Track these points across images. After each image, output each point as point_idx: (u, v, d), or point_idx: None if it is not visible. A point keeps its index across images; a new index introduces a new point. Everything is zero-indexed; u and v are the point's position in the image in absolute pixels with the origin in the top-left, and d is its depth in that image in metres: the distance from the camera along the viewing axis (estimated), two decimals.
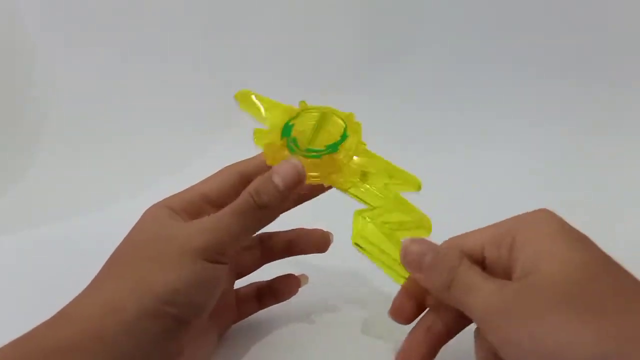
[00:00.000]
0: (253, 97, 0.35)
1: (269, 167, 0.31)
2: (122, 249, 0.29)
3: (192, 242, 0.28)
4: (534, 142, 0.63)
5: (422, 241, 0.29)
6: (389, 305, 0.31)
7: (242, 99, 0.35)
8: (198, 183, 0.32)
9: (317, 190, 0.33)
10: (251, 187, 0.29)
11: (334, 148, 0.32)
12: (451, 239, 0.30)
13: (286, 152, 0.32)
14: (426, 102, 0.68)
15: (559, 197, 0.53)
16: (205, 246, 0.28)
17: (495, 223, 0.29)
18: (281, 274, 0.37)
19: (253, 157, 0.33)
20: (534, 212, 0.28)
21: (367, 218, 0.32)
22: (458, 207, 0.50)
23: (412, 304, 0.30)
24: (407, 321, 0.30)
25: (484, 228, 0.29)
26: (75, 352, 0.24)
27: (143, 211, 0.31)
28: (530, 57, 0.67)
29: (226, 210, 0.29)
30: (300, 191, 0.31)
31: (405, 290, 0.30)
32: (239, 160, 0.34)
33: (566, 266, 0.24)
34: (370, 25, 0.68)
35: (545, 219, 0.27)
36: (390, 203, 0.32)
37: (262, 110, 0.35)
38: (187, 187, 0.32)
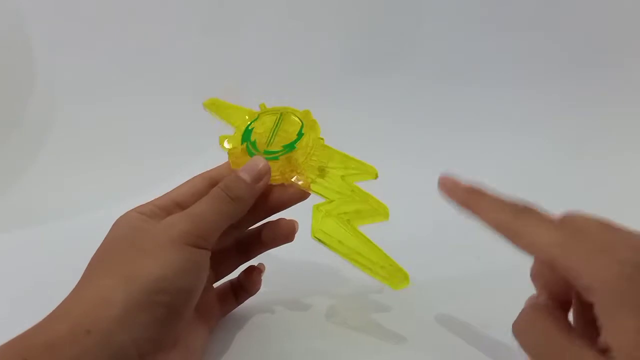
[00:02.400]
0: (222, 105, 0.38)
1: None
2: (103, 249, 0.30)
3: (173, 230, 0.28)
4: (534, 142, 0.63)
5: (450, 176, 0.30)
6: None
7: (211, 107, 0.38)
8: (169, 192, 0.33)
9: (293, 199, 0.34)
10: (221, 184, 0.31)
11: (290, 147, 0.34)
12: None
13: (247, 157, 0.34)
14: (426, 102, 0.68)
15: (556, 199, 0.53)
16: (186, 230, 0.28)
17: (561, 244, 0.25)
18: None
19: (221, 165, 0.35)
20: (605, 267, 0.23)
21: (324, 211, 0.33)
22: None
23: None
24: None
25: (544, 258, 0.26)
26: (66, 347, 0.24)
27: None
28: (529, 57, 0.67)
29: (200, 201, 0.31)
30: (266, 183, 0.32)
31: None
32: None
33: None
34: (367, 26, 0.69)
35: (621, 286, 0.23)
36: (347, 195, 0.33)
37: (229, 115, 0.37)
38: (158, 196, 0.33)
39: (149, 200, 0.32)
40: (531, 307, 0.27)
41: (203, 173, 0.34)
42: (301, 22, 0.69)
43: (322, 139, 0.35)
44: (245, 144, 0.35)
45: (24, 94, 0.67)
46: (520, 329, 0.27)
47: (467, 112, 0.67)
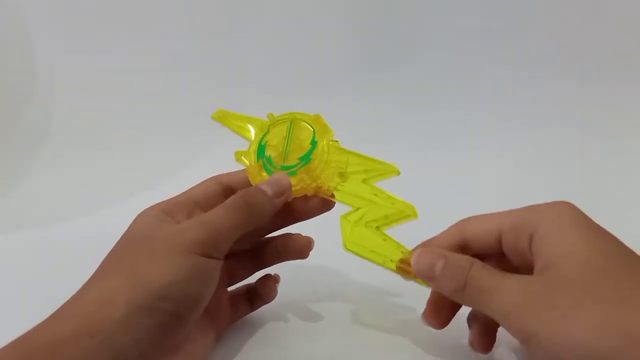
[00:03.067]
0: (230, 115, 0.37)
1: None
2: (117, 248, 0.30)
3: (185, 238, 0.28)
4: (534, 142, 0.63)
5: (431, 250, 0.29)
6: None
7: (220, 119, 0.37)
8: (186, 190, 0.33)
9: (316, 210, 0.34)
10: (241, 193, 0.31)
11: (306, 160, 0.33)
12: (463, 222, 0.31)
13: (264, 174, 0.34)
14: (425, 103, 0.68)
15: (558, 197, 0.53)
16: (198, 240, 0.28)
17: (512, 210, 0.29)
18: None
19: (233, 172, 0.35)
20: (555, 203, 0.28)
21: (353, 222, 0.33)
22: (457, 206, 0.50)
23: (444, 310, 0.31)
24: (442, 325, 0.31)
25: (498, 213, 0.30)
26: (67, 346, 0.24)
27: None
28: (529, 58, 0.67)
29: (217, 208, 0.30)
30: (288, 199, 0.32)
31: (434, 299, 0.31)
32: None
33: (590, 259, 0.25)
34: (367, 26, 0.69)
35: (567, 211, 0.27)
36: (371, 200, 0.33)
37: (240, 127, 0.36)
38: (176, 194, 0.33)
39: (152, 199, 0.32)
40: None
41: (216, 177, 0.34)
42: (298, 25, 0.70)
43: (336, 141, 0.34)
44: (261, 161, 0.34)
45: (24, 94, 0.67)
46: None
47: (471, 112, 0.67)
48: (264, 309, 0.37)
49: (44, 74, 0.69)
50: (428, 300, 0.31)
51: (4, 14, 0.68)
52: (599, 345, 0.22)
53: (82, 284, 0.28)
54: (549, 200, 0.29)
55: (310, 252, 0.35)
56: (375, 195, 0.33)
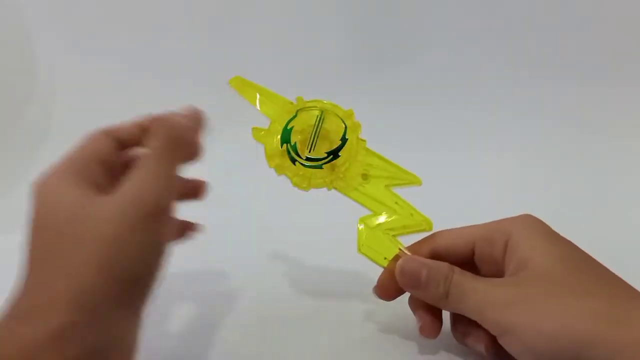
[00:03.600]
0: (248, 85, 0.35)
1: (142, 133, 0.30)
2: (41, 235, 0.26)
3: (131, 208, 0.25)
4: (533, 142, 0.63)
5: (414, 259, 0.31)
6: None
7: (238, 86, 0.35)
8: (79, 147, 0.29)
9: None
10: (160, 128, 0.29)
11: (335, 155, 0.33)
12: (433, 235, 0.33)
13: (287, 162, 0.33)
14: (426, 103, 0.68)
15: (556, 198, 0.53)
16: (149, 205, 0.25)
17: (484, 223, 0.32)
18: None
19: (126, 123, 0.32)
20: (523, 216, 0.31)
21: (371, 227, 0.33)
22: (456, 207, 0.50)
23: (395, 284, 0.32)
24: (390, 298, 0.33)
25: (471, 226, 0.32)
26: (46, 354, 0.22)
27: None
28: (529, 58, 0.67)
29: (146, 162, 0.27)
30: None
31: (389, 272, 0.32)
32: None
33: (556, 260, 0.28)
34: (367, 26, 0.69)
35: (534, 222, 0.31)
36: (391, 207, 0.33)
37: (258, 101, 0.34)
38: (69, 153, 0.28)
39: None
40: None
41: (106, 130, 0.30)
42: (298, 22, 0.69)
43: (364, 140, 0.33)
44: (285, 147, 0.33)
45: (24, 94, 0.67)
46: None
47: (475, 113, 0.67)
48: (264, 308, 0.37)
49: (44, 74, 0.69)
50: (381, 275, 0.33)
51: (4, 14, 0.67)
52: (569, 333, 0.25)
53: None
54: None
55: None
56: (396, 203, 0.33)
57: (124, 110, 0.66)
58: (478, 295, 0.28)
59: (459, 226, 0.33)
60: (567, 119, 0.64)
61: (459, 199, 0.53)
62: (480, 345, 0.30)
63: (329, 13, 0.68)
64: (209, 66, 0.69)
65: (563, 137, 0.63)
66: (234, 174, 0.54)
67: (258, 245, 0.45)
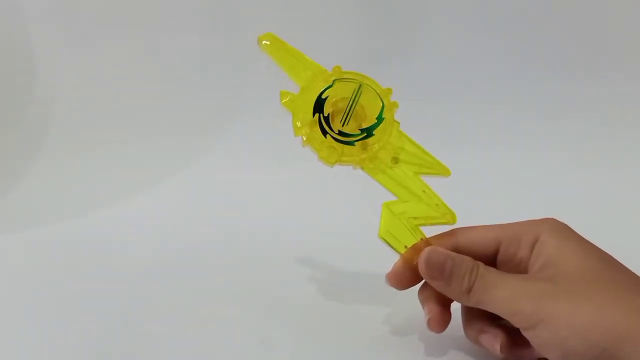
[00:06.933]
0: (281, 44, 0.33)
1: None
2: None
3: None
4: (543, 139, 0.63)
5: (440, 250, 0.30)
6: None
7: (269, 46, 0.33)
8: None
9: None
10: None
11: (369, 133, 0.31)
12: (455, 230, 0.32)
13: (318, 134, 0.31)
14: (430, 101, 0.67)
15: (570, 200, 0.52)
16: None
17: (509, 224, 0.32)
18: None
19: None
20: (548, 219, 0.32)
21: (395, 213, 0.32)
22: (464, 202, 0.50)
23: (410, 273, 0.32)
24: (402, 288, 0.32)
25: (495, 225, 0.32)
26: None
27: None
28: (536, 56, 0.66)
29: None
30: None
31: (406, 260, 0.32)
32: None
33: (586, 258, 0.28)
34: (368, 21, 0.68)
35: (561, 225, 0.31)
36: (418, 196, 0.32)
37: (289, 64, 0.33)
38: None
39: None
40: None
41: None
42: (301, 20, 0.69)
43: (397, 122, 0.32)
44: (317, 117, 0.31)
45: (24, 94, 0.67)
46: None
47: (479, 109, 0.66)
48: (263, 308, 0.37)
49: (44, 74, 0.69)
50: (396, 263, 0.32)
51: (4, 14, 0.67)
52: (602, 326, 0.25)
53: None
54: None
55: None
56: (424, 192, 0.32)
57: (124, 110, 0.67)
58: (510, 286, 0.28)
59: (476, 224, 0.33)
60: (574, 117, 0.63)
61: (465, 195, 0.52)
62: (495, 344, 0.30)
63: (328, 11, 0.68)
64: (210, 66, 0.69)
65: (571, 137, 0.62)
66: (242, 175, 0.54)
67: (269, 245, 0.45)
